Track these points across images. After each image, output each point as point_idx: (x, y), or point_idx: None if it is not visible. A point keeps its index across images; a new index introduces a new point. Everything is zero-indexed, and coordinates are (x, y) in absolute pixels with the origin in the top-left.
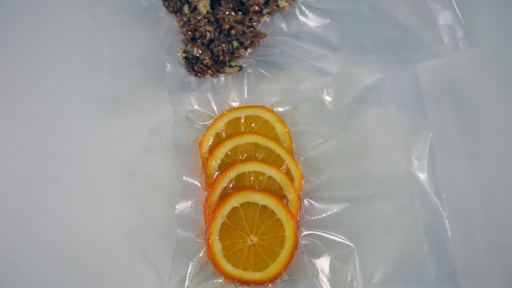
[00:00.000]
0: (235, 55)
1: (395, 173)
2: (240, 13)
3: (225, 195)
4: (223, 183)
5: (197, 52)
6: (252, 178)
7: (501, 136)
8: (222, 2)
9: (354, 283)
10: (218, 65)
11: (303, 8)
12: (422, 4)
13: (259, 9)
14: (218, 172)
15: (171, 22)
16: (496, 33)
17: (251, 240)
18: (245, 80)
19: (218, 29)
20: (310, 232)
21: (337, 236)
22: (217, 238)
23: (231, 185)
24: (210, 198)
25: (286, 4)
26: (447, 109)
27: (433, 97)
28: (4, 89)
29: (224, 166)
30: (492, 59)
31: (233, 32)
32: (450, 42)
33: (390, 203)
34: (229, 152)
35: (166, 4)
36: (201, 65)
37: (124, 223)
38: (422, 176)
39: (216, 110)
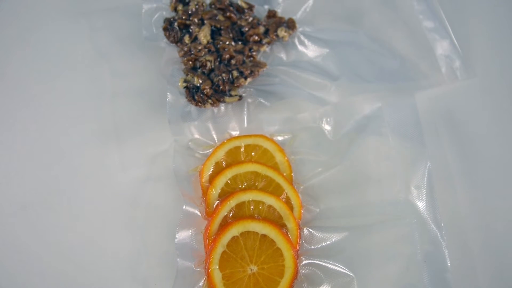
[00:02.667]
0: (235, 85)
1: (394, 202)
2: (240, 43)
3: (225, 224)
4: (223, 212)
5: (197, 81)
6: (252, 207)
7: (499, 165)
8: (222, 32)
9: None
10: (218, 95)
11: (302, 38)
12: (419, 34)
13: (259, 39)
14: (218, 201)
15: (172, 52)
16: (493, 63)
17: (251, 269)
18: (245, 110)
19: (219, 59)
20: (310, 261)
21: (336, 266)
22: (217, 267)
23: (231, 214)
24: (210, 227)
25: (285, 34)
26: (445, 138)
27: (431, 126)
28: (5, 116)
29: (224, 195)
30: (489, 88)
31: (233, 61)
32: (448, 72)
33: (389, 232)
34: (229, 181)
35: (167, 34)
36: (201, 95)
37: (124, 252)
38: (421, 205)
39: (216, 139)
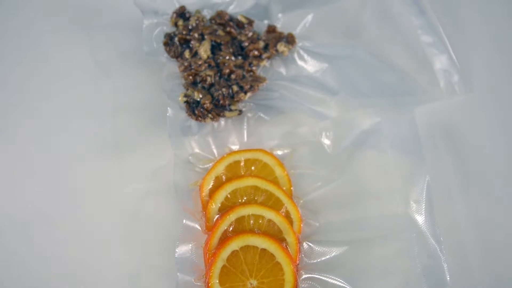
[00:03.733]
0: (235, 99)
1: (394, 216)
2: (240, 57)
3: (225, 239)
4: (223, 226)
5: (197, 96)
6: (251, 221)
7: (498, 179)
8: (222, 47)
9: None
10: (218, 109)
11: (301, 52)
12: (418, 49)
13: (258, 54)
14: (218, 215)
15: (173, 67)
16: (491, 77)
17: (251, 284)
18: (245, 124)
19: (219, 74)
20: (310, 275)
21: (336, 280)
22: (217, 281)
23: (231, 228)
24: (210, 241)
25: (285, 49)
26: (444, 152)
27: (430, 140)
28: (5, 132)
29: (224, 209)
30: (487, 103)
31: (233, 76)
32: (446, 86)
33: (389, 246)
34: (229, 195)
35: (168, 49)
36: (201, 109)
37: (124, 266)
38: (420, 219)
39: (216, 154)
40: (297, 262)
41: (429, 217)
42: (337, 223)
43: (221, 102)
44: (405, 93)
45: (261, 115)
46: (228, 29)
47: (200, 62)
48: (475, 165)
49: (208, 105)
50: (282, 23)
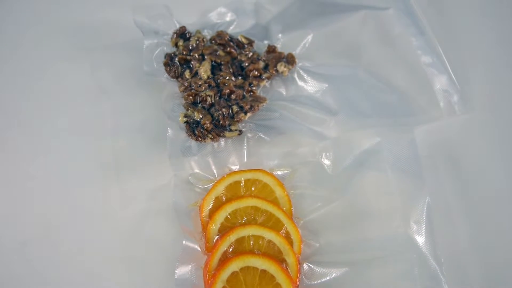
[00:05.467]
0: (235, 120)
1: (394, 237)
2: (240, 77)
3: (225, 259)
4: (223, 247)
5: (197, 116)
6: (251, 242)
7: (498, 199)
8: (222, 67)
9: None
10: (218, 129)
11: (301, 72)
12: (418, 69)
13: (258, 74)
14: (218, 236)
15: (173, 87)
16: (491, 97)
17: None
18: (245, 144)
19: (219, 94)
20: None
21: None
22: None
23: (231, 249)
24: (210, 262)
25: (285, 69)
26: (444, 172)
27: (430, 161)
28: (4, 152)
29: (224, 230)
30: (487, 123)
31: (233, 96)
32: (446, 106)
33: (389, 267)
34: (229, 216)
35: (168, 69)
36: (201, 129)
37: (124, 286)
38: (421, 240)
39: (216, 174)
40: (297, 283)
41: (430, 238)
42: (337, 243)
43: (221, 122)
44: (405, 114)
45: (261, 135)
46: (228, 49)
47: (200, 82)
48: (476, 186)
49: (208, 125)
50: (282, 43)
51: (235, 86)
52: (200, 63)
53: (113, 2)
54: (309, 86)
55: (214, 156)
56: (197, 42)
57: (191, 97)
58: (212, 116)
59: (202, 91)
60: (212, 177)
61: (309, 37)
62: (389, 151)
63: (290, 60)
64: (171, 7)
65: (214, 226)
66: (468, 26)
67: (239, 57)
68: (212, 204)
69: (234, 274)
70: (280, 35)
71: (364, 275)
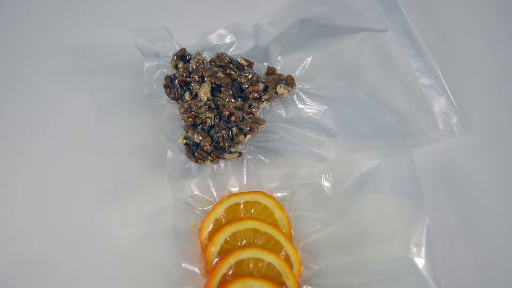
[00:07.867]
0: (235, 141)
1: (394, 260)
2: (239, 99)
3: (224, 282)
4: (223, 269)
5: (197, 138)
6: (251, 264)
7: (498, 222)
8: (222, 89)
9: None
10: (218, 151)
11: (301, 94)
12: (416, 91)
13: (258, 96)
14: (217, 259)
15: (173, 109)
16: (490, 118)
17: None
18: (245, 166)
19: (218, 116)
20: None
21: None
22: None
23: (230, 272)
24: (209, 285)
25: (284, 91)
26: (443, 194)
27: (430, 183)
28: (5, 173)
29: (224, 252)
30: (487, 144)
31: (233, 118)
32: (445, 128)
33: None
34: (228, 238)
35: (168, 91)
36: (201, 151)
37: None
38: (421, 263)
39: (216, 196)
40: None
41: (430, 260)
42: (337, 266)
43: (220, 144)
44: (404, 135)
45: (261, 157)
46: (228, 71)
47: (200, 104)
48: (475, 207)
49: (208, 147)
50: (281, 65)
51: (234, 108)
52: (200, 85)
53: (113, 24)
54: (309, 107)
55: (214, 178)
56: (197, 64)
57: (191, 119)
58: (212, 138)
59: (202, 113)
60: (212, 199)
61: (309, 59)
62: (389, 173)
63: (289, 82)
64: (171, 29)
65: (214, 249)
66: (467, 47)
67: (238, 79)
68: (211, 226)
69: None
70: (279, 57)
71: None
